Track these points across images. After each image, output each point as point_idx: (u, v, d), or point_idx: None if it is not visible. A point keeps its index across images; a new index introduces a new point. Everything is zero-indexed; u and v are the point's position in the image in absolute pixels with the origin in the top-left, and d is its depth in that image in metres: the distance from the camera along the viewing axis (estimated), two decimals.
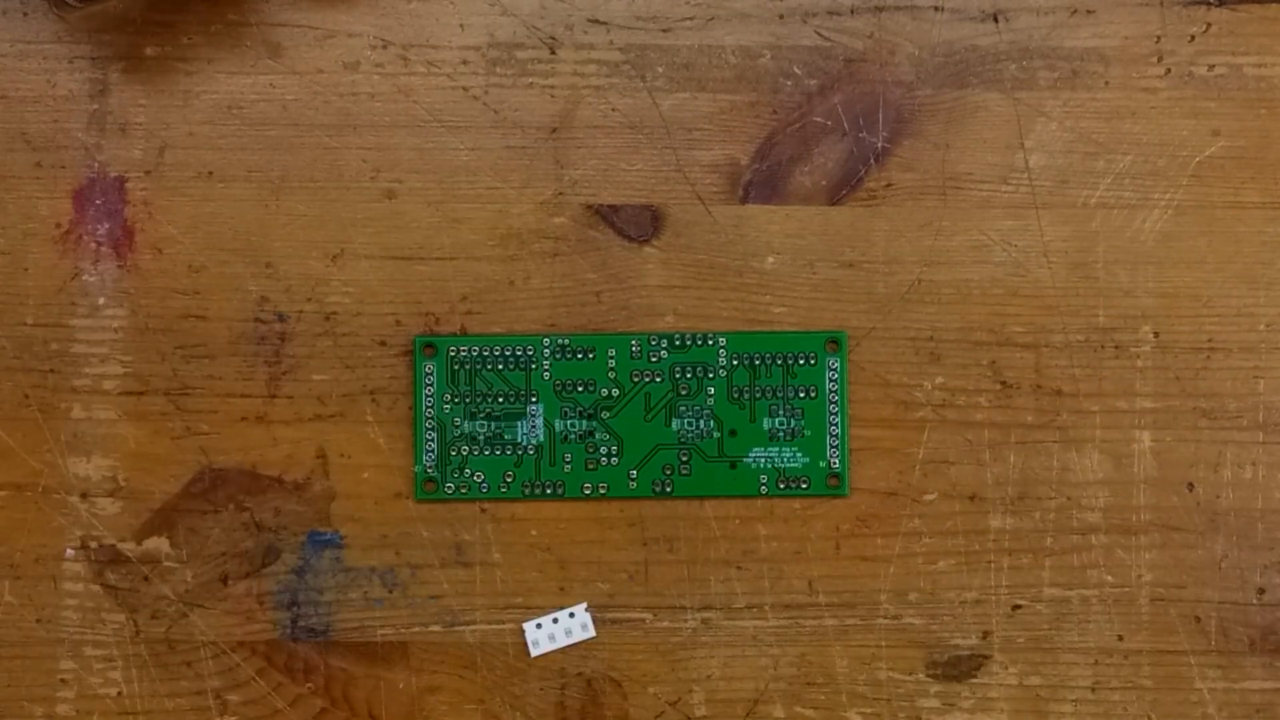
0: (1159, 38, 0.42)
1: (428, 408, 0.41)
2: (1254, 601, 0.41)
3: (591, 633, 0.40)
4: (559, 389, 0.41)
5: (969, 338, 0.41)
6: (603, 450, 0.41)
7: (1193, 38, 0.42)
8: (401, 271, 0.41)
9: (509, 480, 0.41)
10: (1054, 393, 0.41)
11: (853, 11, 0.42)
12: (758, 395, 0.41)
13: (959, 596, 0.41)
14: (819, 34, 0.42)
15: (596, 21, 0.42)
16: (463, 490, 0.41)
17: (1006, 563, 0.41)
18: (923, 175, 0.42)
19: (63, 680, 0.41)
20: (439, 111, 0.42)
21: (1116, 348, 0.41)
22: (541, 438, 0.41)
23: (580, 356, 0.41)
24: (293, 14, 0.42)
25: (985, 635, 0.41)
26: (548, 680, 0.41)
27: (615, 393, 0.41)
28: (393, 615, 0.41)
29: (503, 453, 0.41)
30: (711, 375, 0.41)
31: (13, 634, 0.41)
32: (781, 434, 0.41)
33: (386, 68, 0.42)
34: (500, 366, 0.41)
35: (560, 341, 0.41)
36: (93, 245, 0.42)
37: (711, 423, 0.41)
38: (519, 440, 0.41)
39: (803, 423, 0.41)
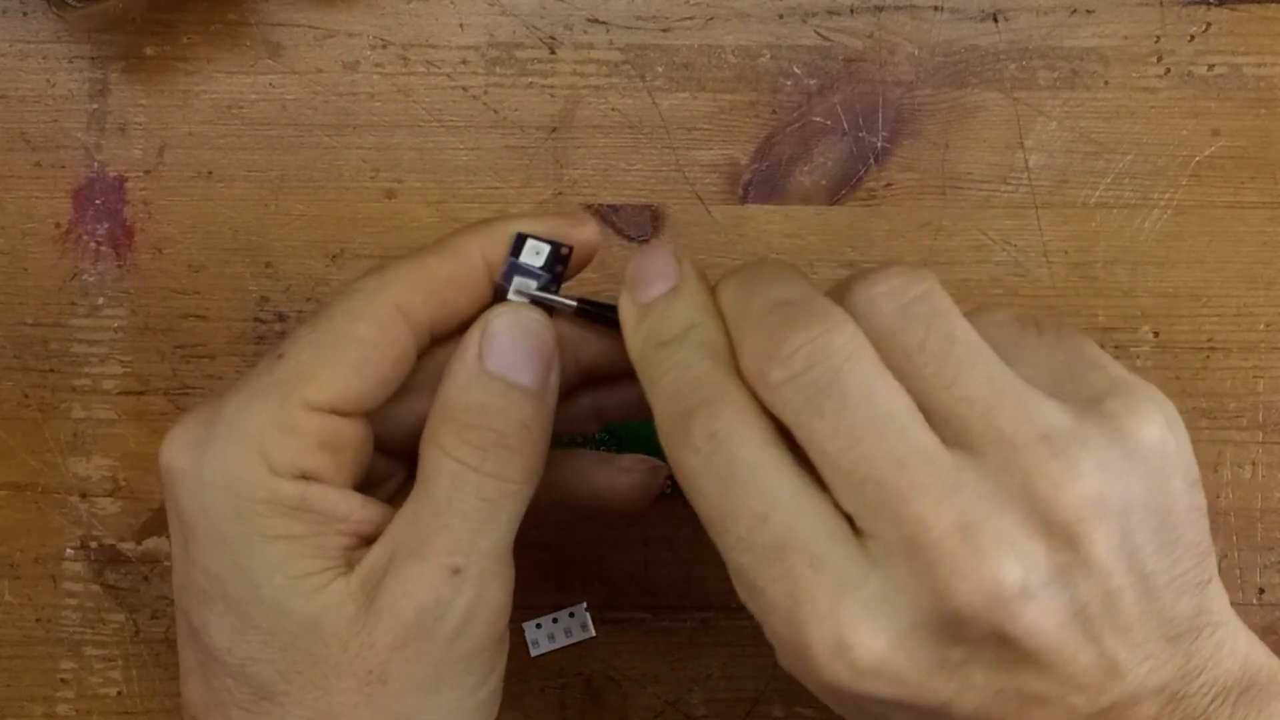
0: (1159, 37, 0.42)
1: None
2: (1254, 601, 0.41)
3: (591, 632, 0.40)
4: None
5: None
6: (602, 450, 0.41)
7: (1192, 38, 0.42)
8: None
9: None
10: None
11: (853, 11, 0.42)
12: None
13: None
14: (819, 34, 0.42)
15: (596, 21, 0.42)
16: None
17: None
18: (922, 175, 0.42)
19: (63, 680, 0.41)
20: (439, 111, 0.42)
21: (1116, 348, 0.41)
22: None
23: None
24: (293, 14, 0.42)
25: None
26: (548, 680, 0.41)
27: None
28: None
29: None
30: None
31: (13, 634, 0.41)
32: None
33: (386, 68, 0.42)
34: None
35: None
36: (92, 245, 0.42)
37: None
38: None
39: None
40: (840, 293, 0.28)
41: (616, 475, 0.33)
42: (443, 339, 0.31)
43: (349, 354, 0.29)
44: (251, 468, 0.28)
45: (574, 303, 0.31)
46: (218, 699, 0.29)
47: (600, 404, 0.34)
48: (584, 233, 0.31)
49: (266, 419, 0.28)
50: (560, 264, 0.30)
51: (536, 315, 0.30)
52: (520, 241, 0.30)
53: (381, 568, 0.28)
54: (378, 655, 0.28)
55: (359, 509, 0.29)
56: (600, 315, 0.31)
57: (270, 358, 0.29)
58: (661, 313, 0.29)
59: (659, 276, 0.29)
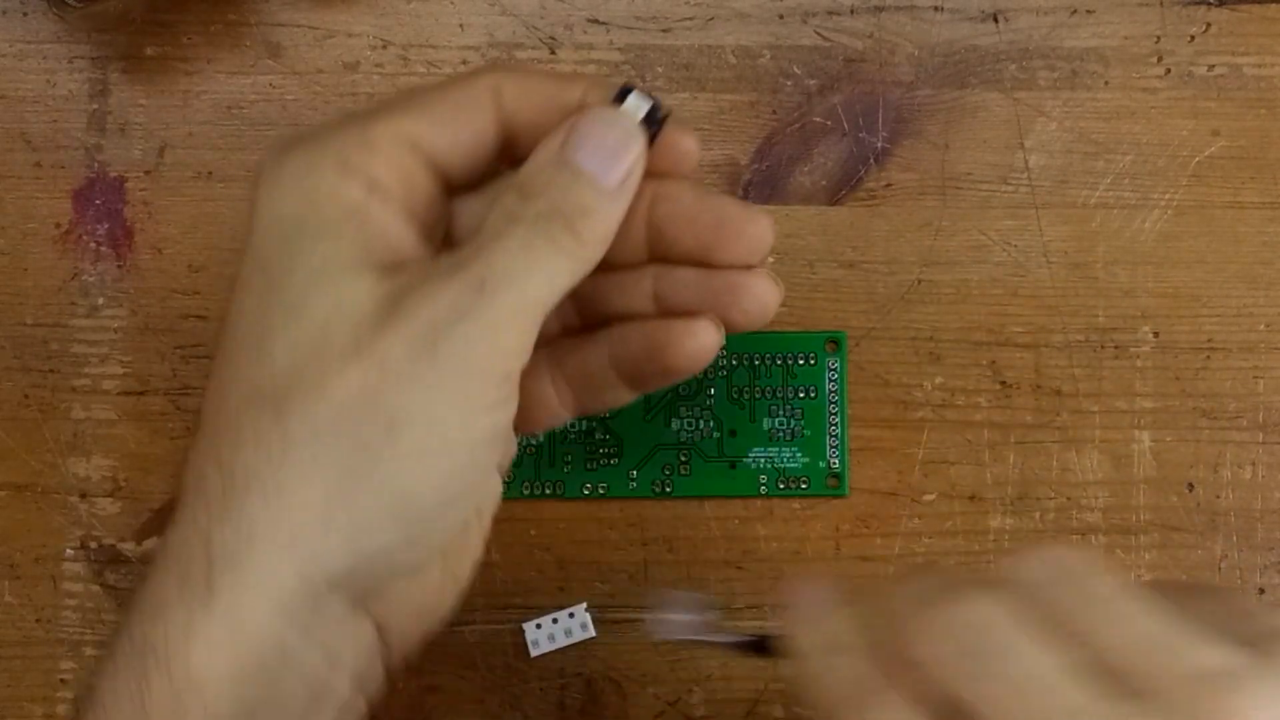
0: (1159, 38, 0.42)
1: None
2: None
3: (591, 633, 0.40)
4: None
5: (969, 338, 0.41)
6: (602, 450, 0.41)
7: (1192, 38, 0.42)
8: None
9: (508, 480, 0.41)
10: (1054, 393, 0.41)
11: (853, 11, 0.42)
12: (757, 395, 0.41)
13: None
14: (819, 34, 0.42)
15: (596, 21, 0.42)
16: None
17: None
18: (922, 175, 0.42)
19: (63, 680, 0.41)
20: None
21: (1116, 348, 0.41)
22: (541, 437, 0.41)
23: None
24: (293, 14, 0.42)
25: None
26: (548, 680, 0.41)
27: None
28: None
29: None
30: (711, 375, 0.41)
31: (13, 634, 0.41)
32: (781, 434, 0.41)
33: (386, 68, 0.42)
34: None
35: None
36: (92, 245, 0.42)
37: (711, 423, 0.41)
38: (518, 440, 0.41)
39: (802, 423, 0.41)
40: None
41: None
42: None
43: (436, 107, 0.31)
44: (325, 163, 0.29)
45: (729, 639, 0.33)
46: (227, 425, 0.29)
47: (662, 288, 0.33)
48: (686, 139, 0.32)
49: (347, 135, 0.30)
50: (655, 126, 0.31)
51: (627, 122, 0.31)
52: (624, 94, 0.31)
53: (412, 286, 0.29)
54: (383, 351, 0.28)
55: (415, 241, 0.30)
56: (752, 646, 0.32)
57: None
58: (823, 625, 0.29)
59: (815, 595, 0.30)
